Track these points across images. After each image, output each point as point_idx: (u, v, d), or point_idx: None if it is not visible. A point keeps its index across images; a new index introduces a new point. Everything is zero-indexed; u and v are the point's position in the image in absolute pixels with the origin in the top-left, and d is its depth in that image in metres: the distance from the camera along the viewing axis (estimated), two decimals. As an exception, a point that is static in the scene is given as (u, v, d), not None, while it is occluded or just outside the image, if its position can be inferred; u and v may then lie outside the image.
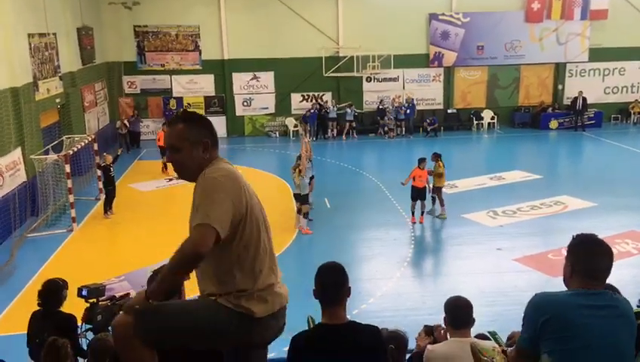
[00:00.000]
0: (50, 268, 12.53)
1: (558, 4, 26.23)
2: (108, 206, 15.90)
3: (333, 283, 3.18)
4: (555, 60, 27.22)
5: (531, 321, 2.77)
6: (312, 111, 25.87)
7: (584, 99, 26.12)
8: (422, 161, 14.73)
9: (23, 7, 16.34)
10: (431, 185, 15.06)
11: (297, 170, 14.39)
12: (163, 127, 22.55)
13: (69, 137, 18.08)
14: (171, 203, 17.31)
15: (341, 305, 3.20)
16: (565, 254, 2.98)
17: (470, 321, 3.79)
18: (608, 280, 2.97)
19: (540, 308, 2.75)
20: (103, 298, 5.37)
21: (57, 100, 18.79)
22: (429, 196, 15.15)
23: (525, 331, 2.81)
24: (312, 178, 15.17)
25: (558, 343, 2.68)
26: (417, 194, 14.64)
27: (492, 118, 27.15)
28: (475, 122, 27.06)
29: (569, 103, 26.83)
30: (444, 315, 3.92)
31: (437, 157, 15.16)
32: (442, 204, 15.16)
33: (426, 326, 4.73)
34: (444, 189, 15.39)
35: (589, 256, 2.87)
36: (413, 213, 14.82)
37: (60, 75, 19.15)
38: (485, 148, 25.37)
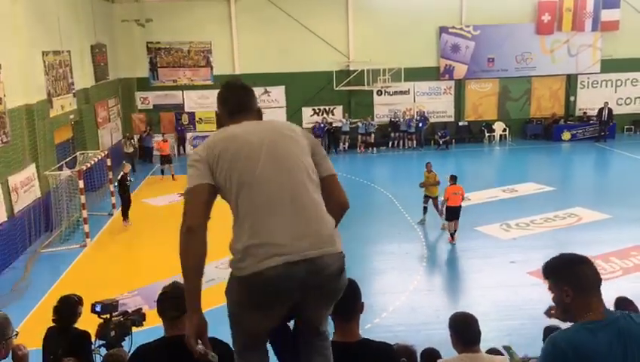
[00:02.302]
0: (64, 284, 12.60)
1: (569, 16, 26.20)
2: (125, 214, 16.14)
3: (346, 299, 3.16)
4: (567, 72, 27.14)
5: None
6: (321, 125, 25.95)
7: (609, 109, 26.02)
8: (453, 178, 14.32)
9: (37, 26, 16.60)
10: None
11: None
12: (163, 137, 23.28)
13: (83, 153, 18.26)
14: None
15: (354, 322, 3.17)
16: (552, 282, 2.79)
17: (479, 336, 3.76)
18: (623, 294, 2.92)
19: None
20: (116, 313, 5.39)
21: (71, 117, 19.01)
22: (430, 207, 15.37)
23: None
24: None
25: None
26: (453, 213, 14.08)
27: (504, 130, 27.06)
28: (487, 134, 26.99)
29: (596, 114, 26.63)
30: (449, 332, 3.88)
31: (430, 166, 15.53)
32: (441, 214, 15.15)
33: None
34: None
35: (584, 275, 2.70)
36: (451, 235, 14.23)
37: (73, 91, 19.39)
38: (497, 161, 25.27)
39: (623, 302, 5.15)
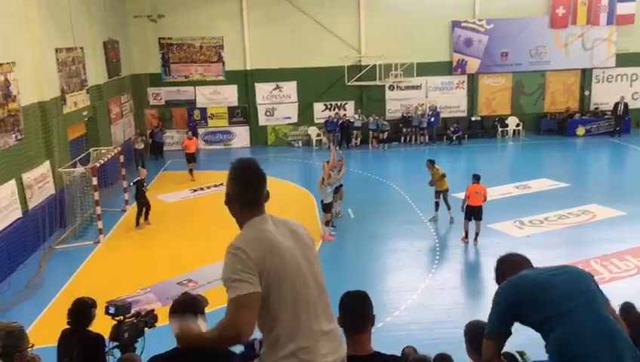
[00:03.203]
0: (78, 280, 12.73)
1: (584, 10, 25.89)
2: (140, 218, 16.06)
3: (359, 311, 3.14)
4: (581, 66, 26.86)
5: None
6: (334, 120, 25.94)
7: (625, 104, 25.76)
8: (476, 177, 14.08)
9: (50, 23, 16.69)
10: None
11: (321, 177, 14.53)
12: (188, 134, 22.84)
13: (96, 149, 18.37)
14: (197, 214, 17.44)
15: (366, 334, 3.16)
16: None
17: None
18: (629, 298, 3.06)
19: None
20: (129, 315, 5.41)
21: (84, 113, 19.12)
22: (442, 203, 15.34)
23: None
24: (340, 186, 15.34)
25: None
26: (472, 212, 13.89)
27: (517, 125, 26.86)
28: (500, 129, 26.80)
29: (611, 109, 26.39)
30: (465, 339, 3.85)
31: (432, 163, 15.42)
32: (449, 208, 15.13)
33: None
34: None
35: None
36: (466, 233, 14.08)
37: (86, 88, 19.49)
38: (510, 156, 25.09)
39: (630, 310, 4.99)
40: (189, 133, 23.67)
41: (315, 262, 2.94)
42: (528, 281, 3.19)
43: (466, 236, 14.10)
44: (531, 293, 3.13)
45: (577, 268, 3.37)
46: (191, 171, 21.17)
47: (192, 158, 21.28)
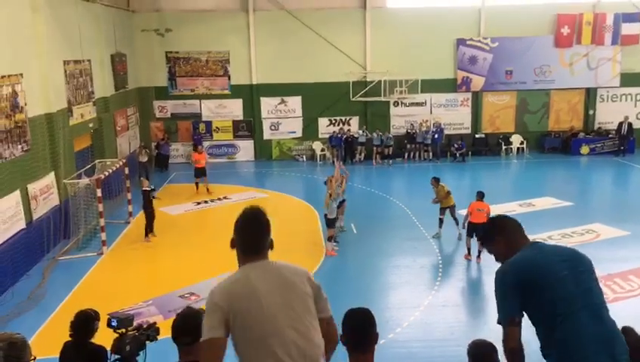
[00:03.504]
0: (81, 292, 12.73)
1: (589, 30, 26.02)
2: (149, 229, 16.04)
3: (362, 330, 3.14)
4: (586, 85, 26.93)
5: None
6: (338, 135, 26.03)
7: (629, 124, 25.80)
8: (480, 194, 14.06)
9: (59, 36, 16.86)
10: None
11: (328, 193, 14.57)
12: (199, 148, 22.80)
13: (101, 161, 18.46)
14: (200, 227, 17.46)
15: (370, 352, 3.16)
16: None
17: None
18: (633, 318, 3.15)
19: None
20: (132, 327, 5.42)
21: (90, 125, 19.24)
22: (451, 220, 15.28)
23: None
24: (343, 201, 15.35)
25: None
26: (474, 230, 13.77)
27: (521, 143, 26.89)
28: (504, 147, 26.83)
29: (615, 128, 26.44)
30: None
31: (437, 181, 15.46)
32: (457, 223, 15.10)
33: None
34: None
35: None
36: (468, 250, 14.08)
37: (93, 100, 19.64)
38: (514, 174, 25.08)
39: (630, 334, 4.88)
40: (200, 147, 23.52)
41: (302, 312, 3.01)
42: (534, 268, 3.24)
43: (469, 253, 14.08)
44: (536, 281, 3.19)
45: (578, 253, 3.45)
46: (197, 185, 21.04)
47: (201, 172, 20.95)
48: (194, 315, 3.51)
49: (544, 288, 3.17)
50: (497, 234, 3.58)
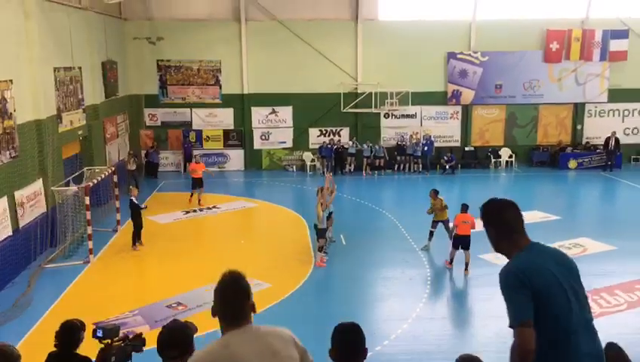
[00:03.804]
0: (66, 300, 12.61)
1: (577, 46, 26.32)
2: (137, 238, 15.91)
3: (351, 345, 3.12)
4: (574, 100, 27.20)
5: None
6: (328, 146, 26.07)
7: (617, 139, 26.07)
8: (464, 206, 14.16)
9: (50, 42, 16.81)
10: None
11: (319, 203, 14.58)
12: (195, 158, 22.45)
13: (90, 169, 18.35)
14: (189, 235, 17.38)
15: (359, 368, 3.15)
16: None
17: None
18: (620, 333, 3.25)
19: None
20: (117, 338, 5.37)
21: (80, 132, 19.15)
22: (445, 231, 15.17)
23: None
24: (330, 213, 15.33)
25: None
26: (460, 242, 13.97)
27: (510, 157, 27.08)
28: (493, 160, 27.00)
29: (602, 143, 26.66)
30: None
31: (436, 193, 15.45)
32: (451, 236, 15.07)
33: None
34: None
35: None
36: (451, 259, 14.27)
37: (83, 107, 19.55)
38: (503, 187, 25.18)
39: (612, 349, 4.85)
40: (197, 156, 23.15)
41: None
42: (539, 277, 3.18)
43: (451, 262, 14.27)
44: (540, 292, 3.15)
45: (571, 259, 3.46)
46: (192, 196, 20.63)
47: (199, 183, 20.45)
48: (180, 328, 3.47)
49: (548, 301, 3.12)
50: (485, 223, 3.49)
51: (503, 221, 3.43)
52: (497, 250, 3.44)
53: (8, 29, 14.47)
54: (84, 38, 19.71)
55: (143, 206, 16.44)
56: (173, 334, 3.42)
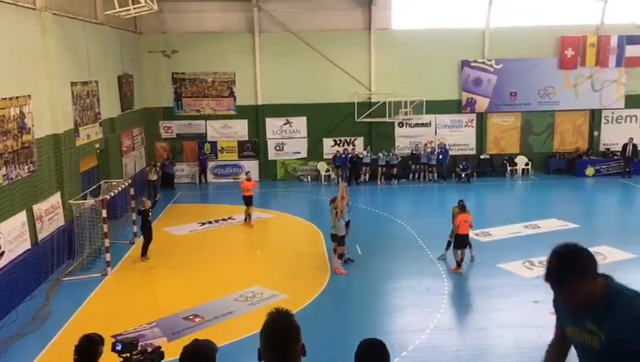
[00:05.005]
0: (84, 313, 12.68)
1: (593, 52, 26.12)
2: (145, 250, 16.06)
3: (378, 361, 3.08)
4: (590, 107, 26.96)
5: None
6: (342, 155, 26.06)
7: (634, 145, 25.78)
8: (462, 206, 14.71)
9: (67, 57, 17.03)
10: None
11: (334, 211, 14.60)
12: (247, 175, 21.24)
13: (107, 182, 18.50)
14: (204, 247, 17.42)
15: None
16: None
17: None
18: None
19: None
20: (136, 352, 5.38)
21: (96, 146, 19.33)
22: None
23: None
24: (348, 221, 15.33)
25: None
26: (462, 241, 14.49)
27: (526, 164, 26.86)
28: (509, 168, 26.80)
29: (619, 150, 26.40)
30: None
31: (463, 207, 14.89)
32: (470, 247, 15.23)
33: None
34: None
35: None
36: (457, 263, 14.53)
37: (100, 121, 19.75)
38: (520, 195, 25.00)
39: None
40: (249, 173, 22.29)
41: None
42: None
43: (458, 266, 14.46)
44: None
45: None
46: (250, 216, 19.41)
47: (249, 201, 19.30)
48: (202, 349, 3.43)
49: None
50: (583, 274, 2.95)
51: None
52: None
53: (26, 44, 14.69)
54: (101, 53, 19.95)
55: (157, 197, 16.75)
56: (195, 355, 3.34)
